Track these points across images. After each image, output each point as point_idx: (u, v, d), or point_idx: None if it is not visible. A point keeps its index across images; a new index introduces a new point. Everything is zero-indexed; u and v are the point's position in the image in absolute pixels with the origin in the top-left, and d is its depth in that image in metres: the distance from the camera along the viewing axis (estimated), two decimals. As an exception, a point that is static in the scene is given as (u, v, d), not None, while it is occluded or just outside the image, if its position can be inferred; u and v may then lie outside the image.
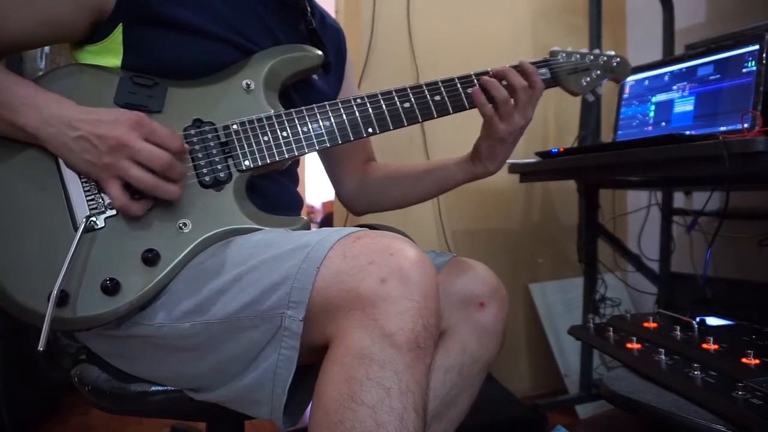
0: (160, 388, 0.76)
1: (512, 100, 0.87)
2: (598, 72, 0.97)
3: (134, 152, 0.67)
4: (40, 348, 0.62)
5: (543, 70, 0.94)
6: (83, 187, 0.70)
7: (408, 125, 0.86)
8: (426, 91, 0.86)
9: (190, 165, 0.74)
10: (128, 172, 0.67)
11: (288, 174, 0.90)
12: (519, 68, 0.89)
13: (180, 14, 0.75)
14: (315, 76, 0.91)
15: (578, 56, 0.96)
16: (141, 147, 0.67)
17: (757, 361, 0.96)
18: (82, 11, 0.73)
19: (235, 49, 0.80)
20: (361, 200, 1.08)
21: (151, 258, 0.69)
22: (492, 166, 0.93)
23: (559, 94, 0.99)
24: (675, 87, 1.42)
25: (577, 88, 0.96)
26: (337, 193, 1.11)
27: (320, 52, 0.86)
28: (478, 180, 0.98)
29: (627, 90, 1.58)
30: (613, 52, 0.99)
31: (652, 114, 1.48)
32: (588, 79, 0.97)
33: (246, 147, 0.77)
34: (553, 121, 2.01)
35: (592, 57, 0.97)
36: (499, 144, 0.90)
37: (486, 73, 0.89)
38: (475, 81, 0.88)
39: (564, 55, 0.96)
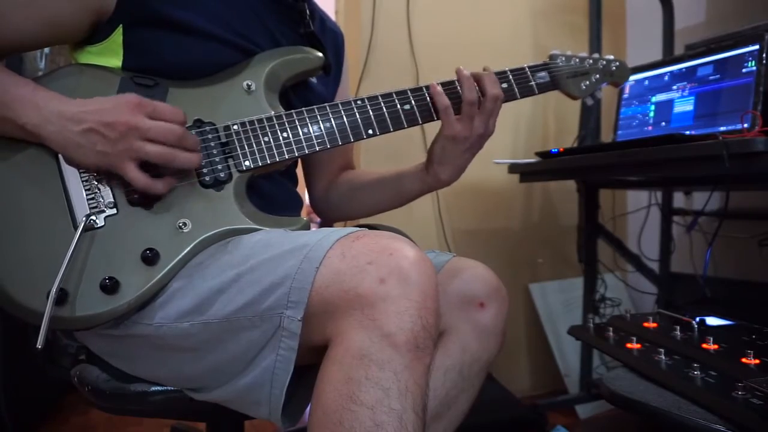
0: (159, 388, 0.76)
1: (477, 105, 0.86)
2: (597, 76, 0.98)
3: (145, 131, 0.67)
4: (39, 346, 0.62)
5: (542, 74, 0.94)
6: (83, 186, 0.70)
7: (408, 127, 0.86)
8: (426, 94, 0.87)
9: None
10: (146, 150, 0.67)
11: (288, 174, 0.90)
12: (490, 76, 0.88)
13: (180, 15, 0.75)
14: (313, 79, 0.91)
15: (577, 60, 0.97)
16: (150, 125, 0.67)
17: (757, 361, 0.96)
18: (83, 12, 0.73)
19: (235, 50, 0.80)
20: (327, 207, 1.07)
21: (150, 257, 0.69)
22: (444, 173, 0.91)
23: (559, 94, 0.99)
24: (675, 87, 1.42)
25: (576, 92, 0.97)
26: (308, 198, 1.09)
27: (321, 54, 0.86)
28: (432, 191, 0.95)
29: (627, 90, 1.58)
30: (612, 57, 1.00)
31: (652, 114, 1.48)
32: (587, 83, 0.97)
33: (246, 147, 0.77)
34: (553, 121, 2.02)
35: (591, 61, 0.98)
36: (451, 144, 0.88)
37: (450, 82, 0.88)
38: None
39: (563, 58, 0.96)
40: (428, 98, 0.87)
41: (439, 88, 0.86)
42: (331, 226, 1.22)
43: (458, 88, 0.87)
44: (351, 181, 1.04)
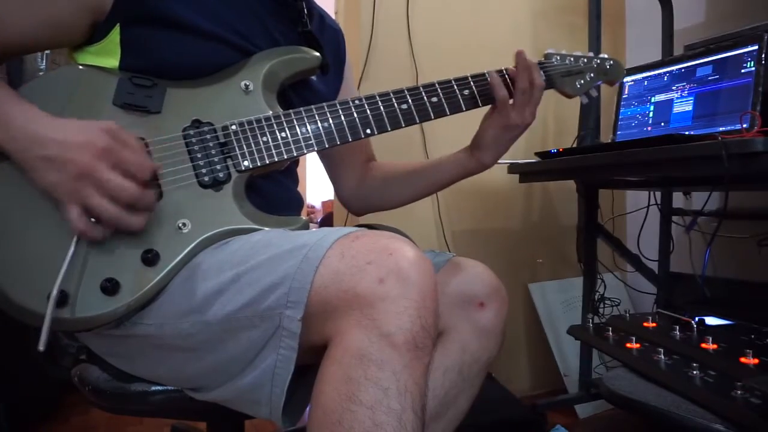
0: (160, 387, 0.76)
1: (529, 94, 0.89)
2: (592, 74, 0.98)
3: (101, 183, 0.64)
4: (41, 348, 0.62)
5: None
6: (82, 188, 0.69)
7: (405, 126, 0.86)
8: (423, 93, 0.87)
9: (189, 165, 0.74)
10: (93, 202, 0.64)
11: (288, 174, 0.90)
12: (535, 66, 0.91)
13: (178, 13, 0.75)
14: (313, 78, 0.91)
15: (572, 59, 0.97)
16: (107, 179, 0.64)
17: (756, 361, 0.96)
18: (82, 12, 0.73)
19: (234, 50, 0.80)
20: (360, 200, 1.09)
21: (150, 258, 0.69)
22: (489, 158, 0.94)
23: (558, 94, 0.99)
24: (674, 87, 1.42)
25: (571, 91, 0.97)
26: (336, 193, 1.12)
27: (318, 54, 0.86)
28: (471, 176, 0.98)
29: (626, 90, 1.58)
30: (606, 55, 1.00)
31: (651, 114, 1.48)
32: (582, 81, 0.98)
33: (245, 147, 0.77)
34: (553, 122, 2.02)
35: (585, 60, 0.98)
36: (505, 133, 0.91)
37: (482, 75, 0.90)
38: (472, 83, 0.89)
39: (558, 57, 0.97)
40: (425, 98, 0.87)
41: (499, 79, 0.89)
42: (345, 224, 1.23)
43: (488, 80, 0.90)
44: (385, 173, 1.06)
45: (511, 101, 0.90)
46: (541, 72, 0.93)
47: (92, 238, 0.66)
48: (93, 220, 0.66)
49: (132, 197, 0.65)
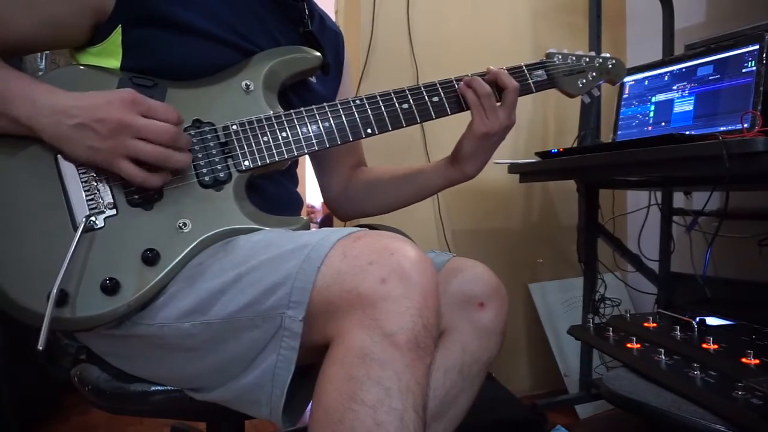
0: (160, 388, 0.76)
1: (494, 98, 0.88)
2: (594, 74, 0.98)
3: (138, 130, 0.67)
4: (40, 347, 0.62)
5: (539, 72, 0.94)
6: (83, 187, 0.70)
7: (406, 126, 0.86)
8: (424, 93, 0.87)
9: (190, 165, 0.74)
10: (137, 149, 0.67)
11: (288, 174, 0.90)
12: (505, 72, 0.90)
13: (180, 14, 0.75)
14: (313, 79, 0.91)
15: (574, 58, 0.97)
16: (144, 124, 0.67)
17: (757, 361, 0.96)
18: (82, 12, 0.73)
19: (234, 50, 0.80)
20: (345, 205, 1.08)
21: (150, 258, 0.69)
22: (470, 168, 0.93)
23: (559, 94, 0.99)
24: (675, 87, 1.42)
25: (573, 90, 0.97)
26: (323, 197, 1.10)
27: (319, 54, 0.86)
28: (456, 185, 0.97)
29: (627, 90, 1.58)
30: (608, 54, 1.00)
31: (651, 114, 1.48)
32: (584, 80, 0.97)
33: (246, 147, 0.77)
34: (553, 121, 2.02)
35: (587, 59, 0.98)
36: (482, 141, 0.90)
37: (483, 74, 0.90)
38: None
39: (560, 57, 0.96)
40: (426, 98, 0.87)
41: (464, 86, 0.88)
42: (345, 224, 1.22)
43: (455, 86, 0.88)
44: (369, 179, 1.05)
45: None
46: (542, 70, 0.93)
47: (153, 185, 0.69)
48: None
49: (172, 135, 0.69)
